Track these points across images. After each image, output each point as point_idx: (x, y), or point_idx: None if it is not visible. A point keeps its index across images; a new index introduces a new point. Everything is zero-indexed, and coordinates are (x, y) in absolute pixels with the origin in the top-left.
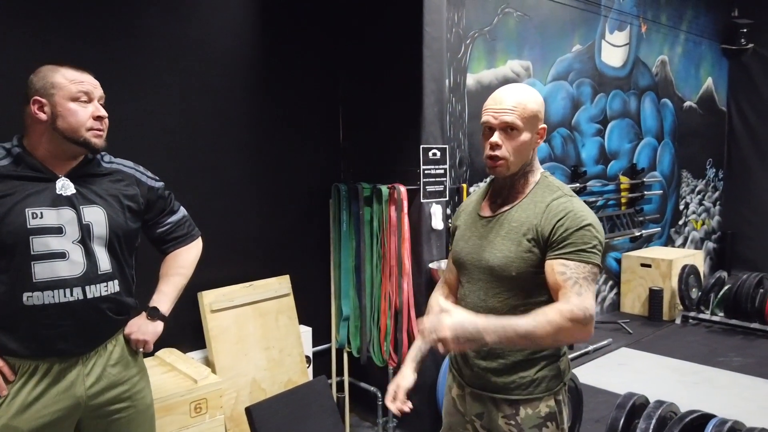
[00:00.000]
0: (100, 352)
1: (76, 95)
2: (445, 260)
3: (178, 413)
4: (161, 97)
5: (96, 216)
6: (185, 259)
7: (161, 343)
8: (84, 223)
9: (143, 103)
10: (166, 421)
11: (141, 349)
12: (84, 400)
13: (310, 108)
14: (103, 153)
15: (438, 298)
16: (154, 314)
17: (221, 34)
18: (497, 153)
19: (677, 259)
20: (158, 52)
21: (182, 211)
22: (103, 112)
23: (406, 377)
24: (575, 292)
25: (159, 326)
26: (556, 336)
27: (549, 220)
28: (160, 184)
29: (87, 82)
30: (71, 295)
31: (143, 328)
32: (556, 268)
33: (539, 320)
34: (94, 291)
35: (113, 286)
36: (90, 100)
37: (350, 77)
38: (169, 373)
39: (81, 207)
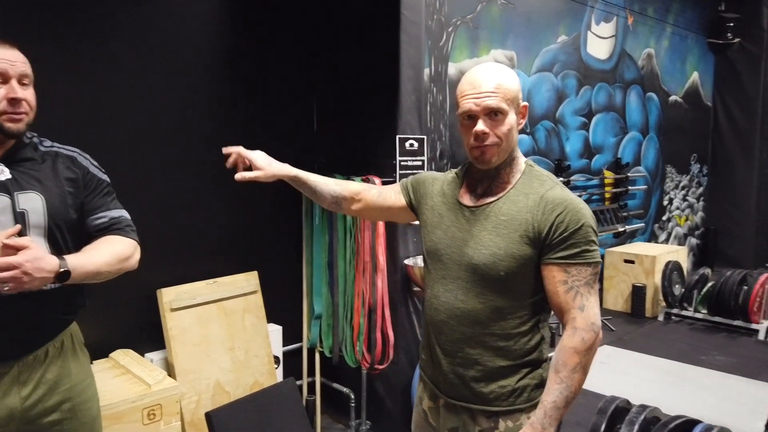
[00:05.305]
0: (38, 356)
1: None
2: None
3: (129, 421)
4: (119, 84)
5: (32, 203)
6: (115, 246)
7: (115, 343)
8: (18, 210)
9: (99, 91)
10: (115, 430)
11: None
12: (19, 411)
13: (282, 96)
14: (42, 138)
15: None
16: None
17: (185, 17)
18: (487, 142)
19: (661, 255)
20: (116, 36)
21: (124, 213)
22: (19, 94)
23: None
24: (578, 306)
25: (54, 263)
26: (587, 369)
27: (546, 215)
28: (104, 176)
29: (0, 58)
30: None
31: (38, 261)
32: (557, 276)
33: (564, 376)
34: None
35: None
36: (5, 81)
37: (324, 63)
38: (122, 377)
39: (15, 193)
